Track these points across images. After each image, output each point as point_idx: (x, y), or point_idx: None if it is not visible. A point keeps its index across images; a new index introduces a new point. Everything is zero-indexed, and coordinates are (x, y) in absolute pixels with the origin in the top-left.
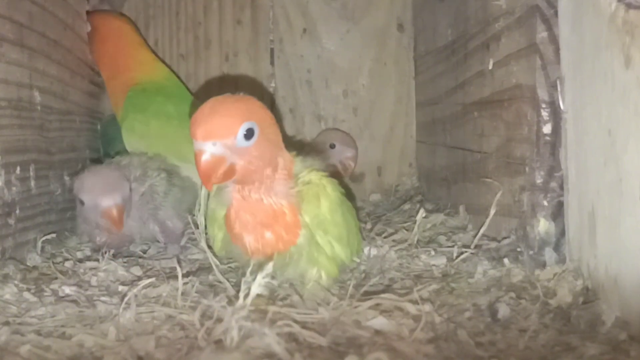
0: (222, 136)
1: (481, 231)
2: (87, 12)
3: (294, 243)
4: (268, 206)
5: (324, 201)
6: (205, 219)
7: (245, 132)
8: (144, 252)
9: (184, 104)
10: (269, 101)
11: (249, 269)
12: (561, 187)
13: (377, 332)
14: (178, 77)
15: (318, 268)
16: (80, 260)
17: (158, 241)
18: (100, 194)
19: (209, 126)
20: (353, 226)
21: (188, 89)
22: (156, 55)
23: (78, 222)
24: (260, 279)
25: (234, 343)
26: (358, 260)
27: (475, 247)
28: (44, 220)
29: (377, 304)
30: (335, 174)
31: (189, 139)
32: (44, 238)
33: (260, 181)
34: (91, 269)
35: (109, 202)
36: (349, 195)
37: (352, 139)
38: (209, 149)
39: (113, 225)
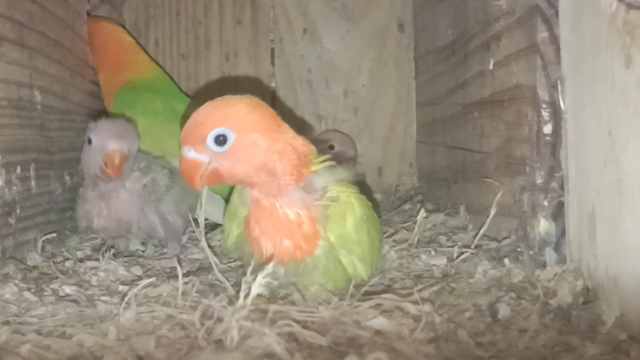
0: (194, 142)
1: (481, 231)
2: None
3: (311, 253)
4: (283, 215)
5: (350, 220)
6: (207, 217)
7: (215, 139)
8: (144, 251)
9: (172, 100)
10: (270, 101)
11: (250, 269)
12: (561, 187)
13: (377, 332)
14: (170, 77)
15: (328, 280)
16: (81, 260)
17: (154, 237)
18: (110, 136)
19: (185, 132)
20: (377, 241)
21: (180, 88)
22: (148, 55)
23: (78, 205)
24: (261, 279)
25: (234, 343)
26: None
27: (476, 247)
28: (44, 219)
29: (378, 304)
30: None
31: (176, 134)
32: (44, 237)
33: (261, 187)
34: (91, 268)
35: (115, 146)
36: (373, 205)
37: (352, 140)
38: (185, 154)
39: (112, 169)
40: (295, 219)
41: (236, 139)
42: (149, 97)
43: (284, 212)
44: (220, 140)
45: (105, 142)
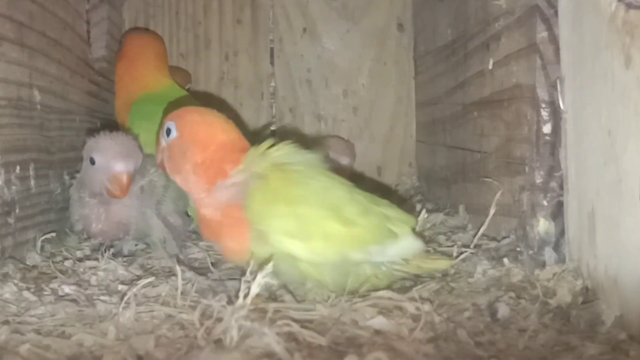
0: (162, 127)
1: (481, 231)
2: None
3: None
4: (209, 219)
5: (258, 196)
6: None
7: (166, 129)
8: (142, 250)
9: None
10: (268, 101)
11: (249, 269)
12: (561, 187)
13: (377, 332)
14: (182, 86)
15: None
16: (80, 260)
17: (151, 236)
18: (115, 157)
19: None
20: (329, 210)
21: (193, 97)
22: (166, 70)
23: (73, 208)
24: (260, 279)
25: (233, 342)
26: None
27: (475, 246)
28: (43, 219)
29: (377, 303)
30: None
31: None
32: (43, 237)
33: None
34: (91, 268)
35: (121, 167)
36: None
37: (349, 145)
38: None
39: (120, 191)
40: (221, 220)
41: (175, 138)
42: (166, 107)
43: (208, 216)
44: (167, 132)
45: (111, 163)
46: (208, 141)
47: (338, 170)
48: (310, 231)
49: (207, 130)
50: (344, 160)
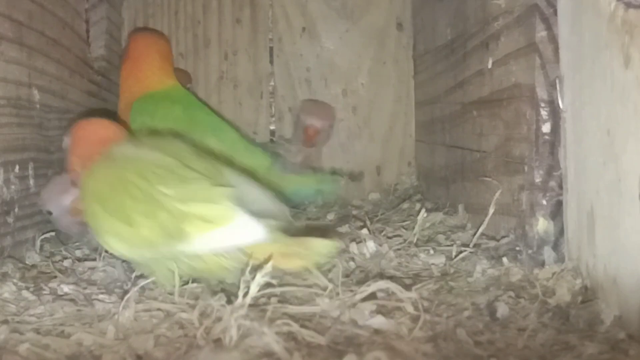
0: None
1: (480, 230)
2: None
3: None
4: None
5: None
6: None
7: (68, 134)
8: None
9: (191, 109)
10: (267, 100)
11: (248, 268)
12: (560, 187)
13: (376, 331)
14: (195, 94)
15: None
16: (79, 259)
17: None
18: (61, 194)
19: None
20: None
21: (197, 97)
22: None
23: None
24: (259, 278)
25: (232, 342)
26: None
27: (474, 246)
28: (42, 218)
29: (376, 303)
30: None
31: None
32: (42, 236)
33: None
34: (90, 267)
35: (68, 200)
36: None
37: (323, 107)
38: None
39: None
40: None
41: (70, 142)
42: (167, 104)
43: None
44: (67, 137)
45: (63, 201)
46: (86, 142)
47: (305, 130)
48: (102, 227)
49: (89, 134)
50: (310, 121)
